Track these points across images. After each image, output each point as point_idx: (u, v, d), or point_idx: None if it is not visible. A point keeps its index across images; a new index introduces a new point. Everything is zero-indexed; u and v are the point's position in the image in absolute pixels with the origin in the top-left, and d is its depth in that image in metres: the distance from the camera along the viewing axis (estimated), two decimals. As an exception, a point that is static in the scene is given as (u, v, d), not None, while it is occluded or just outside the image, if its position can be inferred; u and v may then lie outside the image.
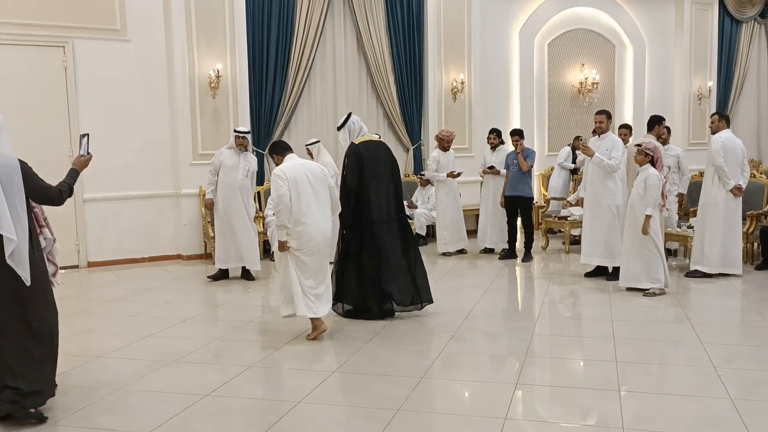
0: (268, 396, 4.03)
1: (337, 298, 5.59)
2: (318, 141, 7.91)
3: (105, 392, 4.03)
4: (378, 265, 5.53)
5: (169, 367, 4.54)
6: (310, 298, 4.95)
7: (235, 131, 7.33)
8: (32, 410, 3.58)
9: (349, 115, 5.77)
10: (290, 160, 5.09)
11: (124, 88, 8.30)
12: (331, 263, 5.42)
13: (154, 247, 8.60)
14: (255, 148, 9.06)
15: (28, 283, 3.52)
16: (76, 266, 8.22)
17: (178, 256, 8.65)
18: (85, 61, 8.10)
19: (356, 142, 5.61)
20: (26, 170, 3.58)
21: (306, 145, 7.91)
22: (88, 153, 4.01)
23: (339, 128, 5.70)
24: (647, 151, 6.27)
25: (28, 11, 7.78)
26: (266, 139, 9.19)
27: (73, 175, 3.90)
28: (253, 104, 9.03)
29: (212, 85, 8.55)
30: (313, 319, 5.04)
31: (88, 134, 4.10)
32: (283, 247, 4.93)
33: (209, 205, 7.44)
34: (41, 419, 3.59)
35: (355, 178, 5.49)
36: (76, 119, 8.09)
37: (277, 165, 5.11)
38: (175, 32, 8.37)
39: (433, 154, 8.93)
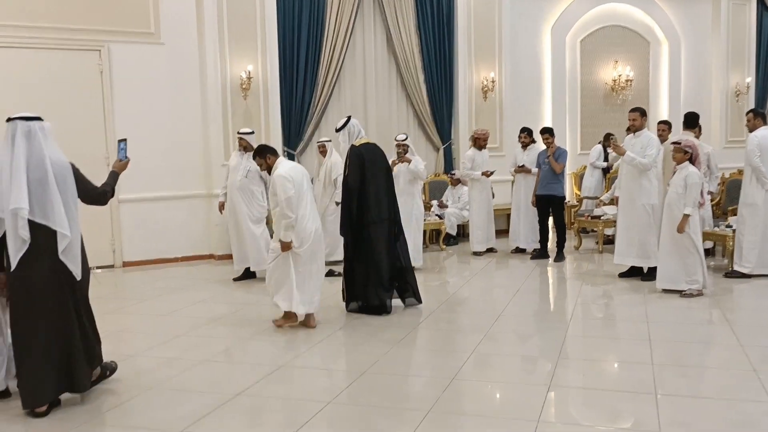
0: (297, 396, 4.02)
1: (351, 298, 5.85)
2: (330, 140, 7.95)
3: (136, 392, 4.06)
4: (381, 263, 5.75)
5: (199, 366, 4.56)
6: (302, 294, 5.25)
7: (237, 133, 7.44)
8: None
9: (349, 117, 5.97)
10: (283, 161, 5.32)
11: (158, 91, 8.41)
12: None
13: (186, 247, 8.69)
14: (286, 149, 9.10)
15: (78, 277, 3.74)
16: (111, 266, 8.35)
17: (210, 256, 8.72)
18: (120, 64, 8.22)
19: (356, 144, 5.83)
20: (76, 172, 3.82)
21: (318, 142, 8.11)
22: (126, 157, 4.20)
23: (338, 130, 5.89)
24: (686, 149, 6.11)
25: (65, 16, 7.93)
26: (297, 139, 9.22)
27: (114, 177, 4.12)
28: (284, 105, 9.06)
29: (243, 87, 8.60)
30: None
31: (126, 139, 4.28)
32: (288, 247, 5.13)
33: (220, 208, 7.59)
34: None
35: (357, 180, 5.71)
36: (112, 121, 8.21)
37: (270, 165, 5.26)
38: (208, 35, 8.45)
39: (468, 152, 8.89)
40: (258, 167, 5.44)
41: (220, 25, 8.49)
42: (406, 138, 7.63)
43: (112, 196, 4.08)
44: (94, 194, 3.93)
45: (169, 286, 7.24)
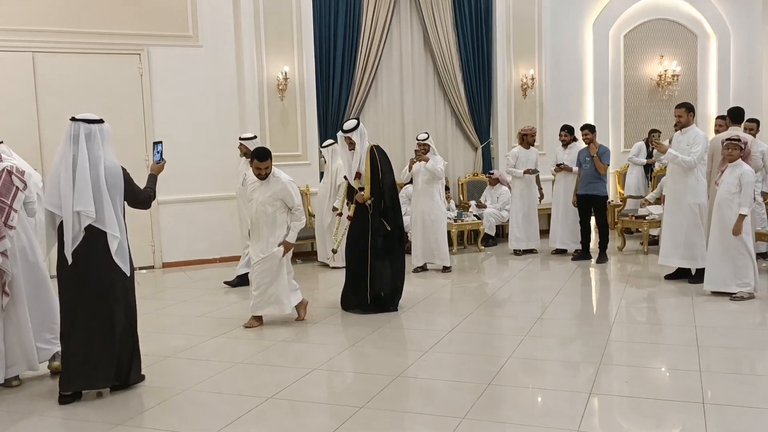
0: (332, 400, 3.97)
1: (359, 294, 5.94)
2: (334, 142, 7.89)
3: (173, 392, 4.08)
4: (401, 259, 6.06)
5: (236, 368, 4.55)
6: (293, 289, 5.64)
7: (239, 138, 7.34)
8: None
9: (358, 119, 5.96)
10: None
11: (196, 93, 8.50)
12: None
13: (225, 247, 8.76)
14: (322, 149, 9.08)
15: (128, 273, 3.96)
16: (152, 267, 8.47)
17: (249, 257, 8.76)
18: (159, 67, 8.34)
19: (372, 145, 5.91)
20: (126, 176, 3.97)
21: (323, 147, 8.20)
22: (162, 159, 4.30)
23: (351, 131, 5.75)
24: (743, 145, 5.85)
25: (106, 21, 8.07)
26: (333, 139, 9.18)
27: (153, 180, 4.25)
28: (320, 105, 9.06)
29: (280, 87, 8.63)
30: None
31: (161, 141, 4.38)
32: (290, 249, 5.47)
33: None
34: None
35: (393, 177, 5.94)
36: (152, 124, 8.33)
37: (269, 169, 5.33)
38: (245, 36, 8.50)
39: (513, 149, 8.83)
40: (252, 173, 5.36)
41: (256, 26, 8.54)
42: (428, 137, 7.54)
43: (154, 198, 4.19)
44: (141, 198, 4.07)
45: (208, 287, 7.30)
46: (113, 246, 3.85)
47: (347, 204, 6.04)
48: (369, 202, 5.74)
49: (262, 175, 5.29)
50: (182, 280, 7.83)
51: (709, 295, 6.08)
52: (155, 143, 4.36)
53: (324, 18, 9.01)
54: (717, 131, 7.09)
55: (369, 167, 5.72)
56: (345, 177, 6.01)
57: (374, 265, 5.82)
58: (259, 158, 5.25)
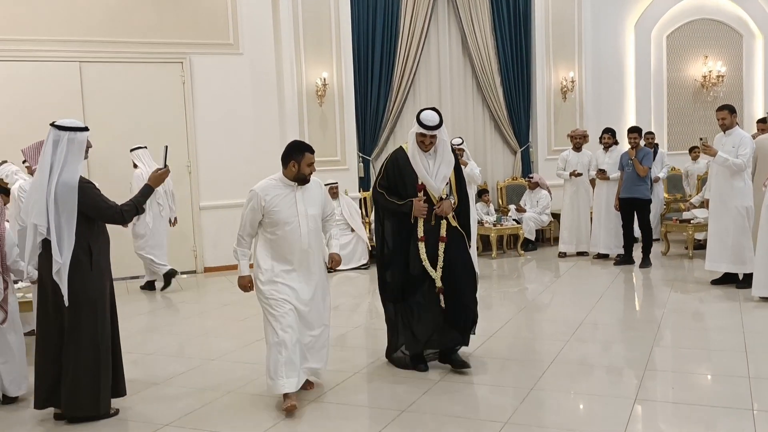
0: (373, 403, 4.02)
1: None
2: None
3: (217, 394, 4.17)
4: None
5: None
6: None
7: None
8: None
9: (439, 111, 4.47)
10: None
11: (237, 99, 8.66)
12: None
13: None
14: (361, 155, 9.18)
15: (66, 302, 3.58)
16: (194, 271, 8.65)
17: (288, 262, 8.86)
18: (201, 75, 8.53)
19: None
20: (87, 190, 3.63)
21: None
22: (166, 166, 3.93)
23: (439, 125, 4.26)
24: None
25: (150, 30, 8.28)
26: (372, 144, 9.28)
27: (145, 192, 3.87)
28: (359, 110, 9.15)
29: (319, 93, 8.74)
30: None
31: (167, 146, 3.95)
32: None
33: None
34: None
35: None
36: (193, 131, 8.52)
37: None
38: (284, 43, 8.64)
39: (563, 152, 8.90)
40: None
41: (295, 32, 8.67)
42: (462, 142, 7.50)
43: (139, 212, 3.84)
44: (107, 215, 3.71)
45: (249, 293, 7.39)
46: (54, 267, 3.55)
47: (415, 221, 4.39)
48: (453, 214, 4.44)
49: (312, 172, 3.99)
50: (224, 284, 7.97)
51: (757, 301, 5.95)
52: (164, 148, 3.95)
53: (362, 23, 9.10)
54: (762, 131, 6.94)
55: (454, 168, 4.46)
56: (381, 192, 4.42)
57: (470, 291, 4.52)
58: (311, 149, 4.01)
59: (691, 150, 10.10)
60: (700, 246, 8.48)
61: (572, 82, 10.01)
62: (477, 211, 8.41)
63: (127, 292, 7.69)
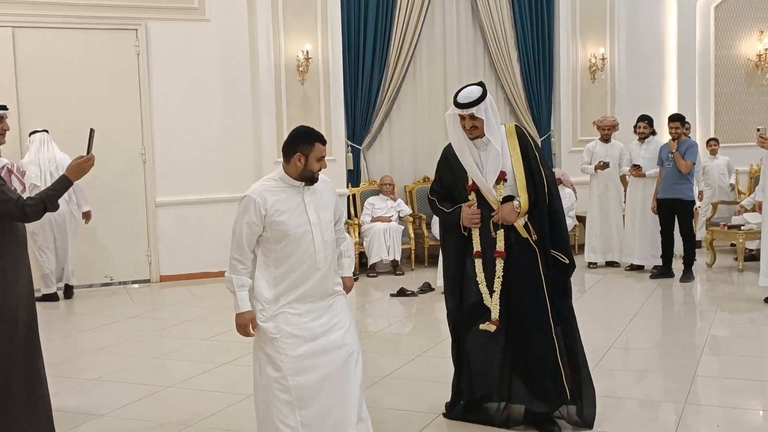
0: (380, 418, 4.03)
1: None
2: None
3: (176, 428, 4.17)
4: None
5: (248, 401, 4.63)
6: None
7: None
8: None
9: (483, 85, 4.00)
10: None
11: (203, 75, 8.66)
12: None
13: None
14: (350, 143, 9.19)
15: None
16: (147, 280, 8.64)
17: (261, 270, 8.84)
18: (159, 45, 8.53)
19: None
20: None
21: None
22: (89, 152, 3.72)
23: (477, 102, 3.83)
24: None
25: (97, -10, 8.28)
26: (363, 131, 9.29)
27: (60, 185, 3.68)
28: (348, 91, 9.15)
29: (300, 69, 8.74)
30: None
31: (93, 129, 3.77)
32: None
33: None
34: None
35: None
36: (149, 112, 8.51)
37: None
38: (259, 9, 8.62)
39: (589, 144, 9.01)
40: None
41: (273, -4, 8.67)
42: None
43: (49, 209, 3.63)
44: (5, 209, 3.52)
45: (214, 305, 7.42)
46: None
47: (463, 231, 4.03)
48: (524, 221, 3.94)
49: (321, 169, 3.52)
50: (184, 296, 7.96)
51: (820, 323, 6.02)
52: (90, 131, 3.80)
53: (353, -13, 9.12)
54: None
55: (521, 159, 3.96)
56: (432, 200, 4.16)
57: (561, 337, 4.00)
58: (324, 140, 3.53)
59: (708, 142, 10.13)
60: (752, 257, 8.53)
61: (602, 59, 10.04)
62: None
63: (62, 306, 7.67)
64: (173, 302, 7.78)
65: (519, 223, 3.90)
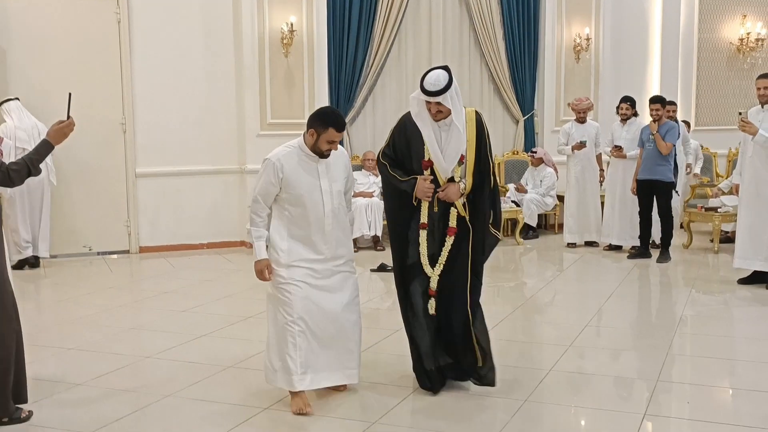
0: (339, 414, 4.05)
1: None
2: None
3: (153, 398, 4.17)
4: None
5: (226, 372, 4.64)
6: None
7: None
8: None
9: (449, 71, 4.07)
10: None
11: (184, 46, 8.59)
12: None
13: (215, 232, 8.86)
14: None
15: None
16: (127, 251, 8.61)
17: (242, 243, 8.87)
18: (140, 12, 8.45)
19: None
20: None
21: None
22: (69, 117, 3.74)
23: (444, 90, 3.95)
24: None
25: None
26: (347, 106, 9.25)
27: (42, 149, 3.69)
28: (332, 65, 9.11)
29: (285, 42, 8.68)
30: None
31: (71, 94, 3.80)
32: None
33: None
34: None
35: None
36: (130, 82, 8.43)
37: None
38: (244, -21, 8.54)
39: (565, 125, 9.00)
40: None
41: (258, -33, 8.58)
42: None
43: (33, 174, 3.65)
44: None
45: (193, 278, 7.41)
46: None
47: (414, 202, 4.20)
48: (463, 201, 4.21)
49: (331, 150, 3.98)
50: (163, 268, 7.94)
51: (792, 305, 6.11)
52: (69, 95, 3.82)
53: (339, -41, 9.03)
54: None
55: (474, 144, 4.18)
56: (384, 163, 4.27)
57: (477, 304, 4.34)
58: (340, 127, 3.92)
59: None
60: (728, 239, 8.62)
61: (587, 40, 10.04)
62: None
63: (45, 274, 7.63)
64: (152, 274, 7.76)
65: (459, 203, 4.16)
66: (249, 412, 3.96)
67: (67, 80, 7.87)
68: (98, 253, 8.48)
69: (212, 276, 7.46)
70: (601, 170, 8.97)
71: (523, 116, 10.12)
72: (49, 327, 5.71)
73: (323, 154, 3.92)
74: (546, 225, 10.14)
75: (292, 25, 8.66)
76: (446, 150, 4.11)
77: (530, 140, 10.19)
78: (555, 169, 9.64)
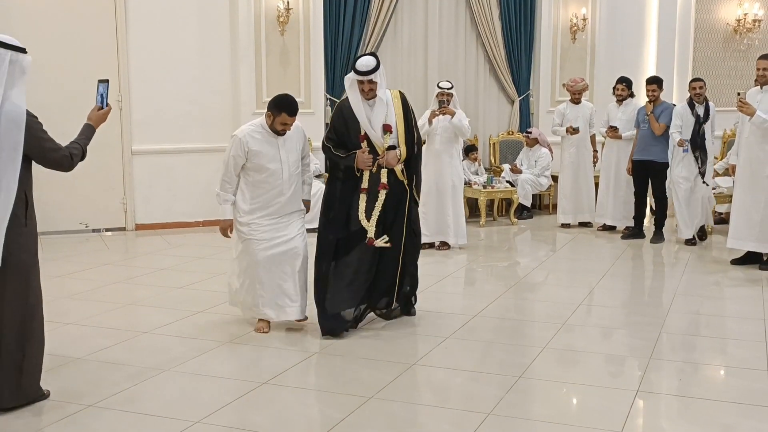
0: (336, 388, 4.09)
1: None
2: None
3: (150, 373, 4.21)
4: None
5: (222, 348, 4.68)
6: None
7: None
8: None
9: (377, 56, 4.97)
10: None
11: (180, 24, 8.55)
12: None
13: (210, 209, 8.76)
14: (329, 96, 9.13)
15: None
16: (123, 228, 8.62)
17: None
18: (136, -10, 8.37)
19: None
20: (32, 125, 3.49)
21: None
22: (107, 104, 3.93)
23: (373, 70, 4.79)
24: None
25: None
26: (342, 85, 9.17)
27: (88, 133, 3.84)
28: (328, 43, 9.08)
29: (281, 20, 8.64)
30: None
31: (107, 80, 3.98)
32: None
33: None
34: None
35: None
36: (126, 61, 8.40)
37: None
38: (239, -45, 8.48)
39: (560, 105, 8.99)
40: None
41: (254, -56, 8.52)
42: (452, 87, 7.50)
43: (83, 158, 3.77)
44: (54, 157, 3.61)
45: (189, 255, 7.43)
46: None
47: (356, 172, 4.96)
48: (402, 167, 4.97)
49: (285, 131, 4.81)
50: (159, 245, 7.95)
51: (783, 285, 6.16)
52: (100, 81, 3.95)
53: (335, -64, 8.98)
54: None
55: (403, 118, 4.97)
56: (327, 146, 5.04)
57: (409, 253, 5.11)
58: (291, 112, 4.71)
59: None
60: (721, 220, 8.67)
61: (584, 20, 10.01)
62: (464, 170, 8.46)
63: (42, 250, 7.63)
64: (148, 251, 7.78)
65: (398, 168, 4.94)
66: (246, 387, 4.00)
67: (63, 58, 7.86)
68: (94, 230, 8.49)
69: (207, 253, 7.48)
70: (595, 151, 8.97)
71: (519, 96, 10.11)
72: (47, 302, 5.61)
73: (279, 133, 4.77)
74: (540, 205, 10.17)
75: (288, 3, 8.61)
76: (375, 122, 4.89)
77: (525, 120, 10.19)
78: (550, 150, 9.65)
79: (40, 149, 3.56)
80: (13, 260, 3.48)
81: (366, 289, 5.00)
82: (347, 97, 4.96)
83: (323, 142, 5.09)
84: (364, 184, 4.92)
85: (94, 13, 8.24)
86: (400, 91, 5.13)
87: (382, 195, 4.90)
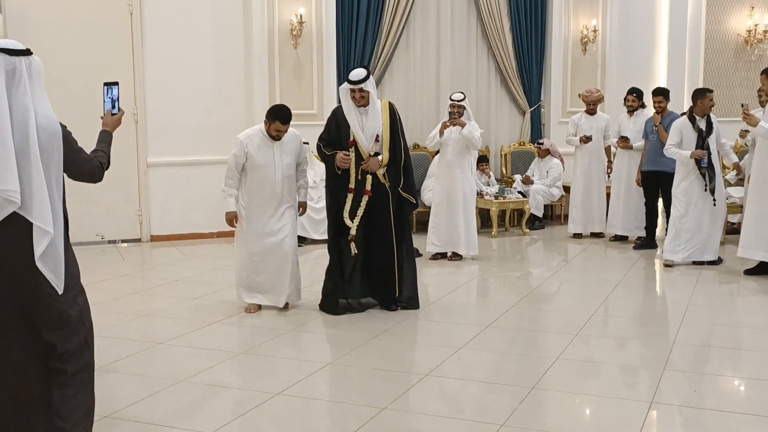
0: (350, 399, 4.09)
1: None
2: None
3: (166, 383, 4.22)
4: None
5: (236, 359, 4.69)
6: None
7: None
8: None
9: (368, 68, 5.82)
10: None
11: (196, 36, 8.59)
12: None
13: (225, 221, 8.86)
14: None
15: (60, 290, 3.03)
16: (138, 240, 8.65)
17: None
18: (152, 4, 8.43)
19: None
20: (67, 137, 3.12)
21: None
22: (119, 109, 3.66)
23: (365, 80, 5.44)
24: None
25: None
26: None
27: (108, 139, 3.49)
28: (341, 56, 9.10)
29: (294, 33, 8.68)
30: None
31: (117, 83, 3.71)
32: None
33: None
34: None
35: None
36: (142, 72, 8.44)
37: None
38: (254, -30, 8.53)
39: (574, 116, 8.97)
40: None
41: (267, -42, 8.58)
42: (464, 98, 7.50)
43: (108, 167, 3.42)
44: (87, 168, 3.25)
45: (204, 266, 7.45)
46: (40, 245, 2.92)
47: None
48: (383, 171, 5.57)
49: (280, 136, 5.46)
50: (175, 256, 7.98)
51: (797, 296, 6.11)
52: (107, 85, 3.69)
53: (348, -50, 9.02)
54: None
55: (389, 127, 5.55)
56: (319, 144, 5.68)
57: (402, 256, 5.69)
58: (284, 120, 5.39)
59: None
60: (734, 230, 8.61)
61: (594, 31, 10.01)
62: (476, 181, 8.45)
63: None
64: (163, 262, 7.80)
65: (380, 172, 5.53)
66: (260, 398, 4.00)
67: (80, 71, 7.91)
68: (110, 242, 8.53)
69: (223, 264, 7.49)
70: (609, 162, 8.94)
71: (530, 107, 10.11)
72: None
73: (274, 138, 5.42)
74: (552, 216, 10.14)
75: (301, 16, 8.67)
76: (365, 130, 5.50)
77: (537, 131, 10.18)
78: (561, 160, 9.64)
79: (75, 161, 3.19)
80: (72, 284, 3.19)
81: (362, 281, 5.69)
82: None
83: (317, 142, 5.70)
84: (351, 185, 5.54)
85: (110, 25, 8.31)
86: (390, 102, 5.74)
87: (364, 200, 5.52)
